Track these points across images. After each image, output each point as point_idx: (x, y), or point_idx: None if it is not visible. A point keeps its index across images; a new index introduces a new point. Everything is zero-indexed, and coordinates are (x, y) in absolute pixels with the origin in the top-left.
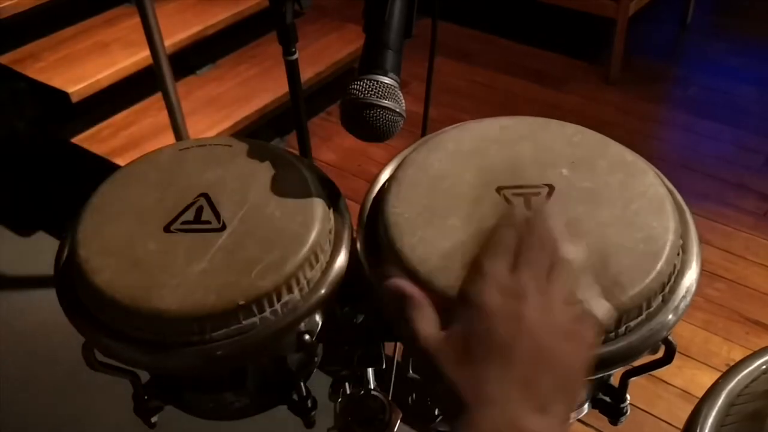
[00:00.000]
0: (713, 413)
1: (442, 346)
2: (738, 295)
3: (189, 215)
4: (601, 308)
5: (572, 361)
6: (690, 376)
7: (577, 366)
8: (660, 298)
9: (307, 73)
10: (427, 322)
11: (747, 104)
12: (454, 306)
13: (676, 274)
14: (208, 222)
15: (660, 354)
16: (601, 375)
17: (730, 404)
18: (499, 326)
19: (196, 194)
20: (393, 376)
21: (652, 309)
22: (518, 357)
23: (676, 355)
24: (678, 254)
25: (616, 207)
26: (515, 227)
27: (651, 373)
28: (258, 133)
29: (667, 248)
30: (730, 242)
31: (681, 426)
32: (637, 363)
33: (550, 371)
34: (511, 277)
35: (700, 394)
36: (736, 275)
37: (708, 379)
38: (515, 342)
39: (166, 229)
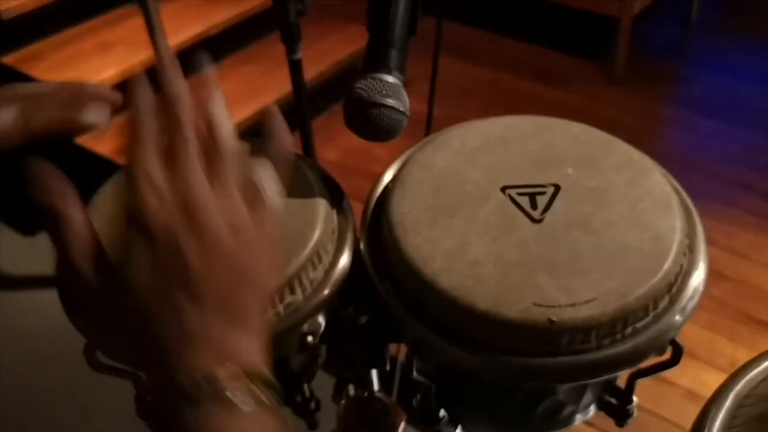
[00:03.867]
0: (720, 415)
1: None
2: (743, 295)
3: None
4: (271, 184)
5: (263, 263)
6: (695, 377)
7: (267, 266)
8: (667, 298)
9: (310, 73)
10: (84, 259)
11: (752, 104)
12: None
13: (683, 274)
14: None
15: (667, 356)
16: (606, 377)
17: (737, 406)
18: (181, 251)
19: None
20: (397, 377)
21: (659, 310)
22: (212, 282)
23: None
24: (685, 254)
25: (623, 206)
26: (150, 112)
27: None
28: (262, 133)
29: (674, 248)
30: (734, 242)
31: (686, 426)
32: (643, 365)
33: (246, 285)
34: (172, 184)
35: (705, 394)
36: (741, 275)
37: (713, 379)
38: (203, 264)
39: None
